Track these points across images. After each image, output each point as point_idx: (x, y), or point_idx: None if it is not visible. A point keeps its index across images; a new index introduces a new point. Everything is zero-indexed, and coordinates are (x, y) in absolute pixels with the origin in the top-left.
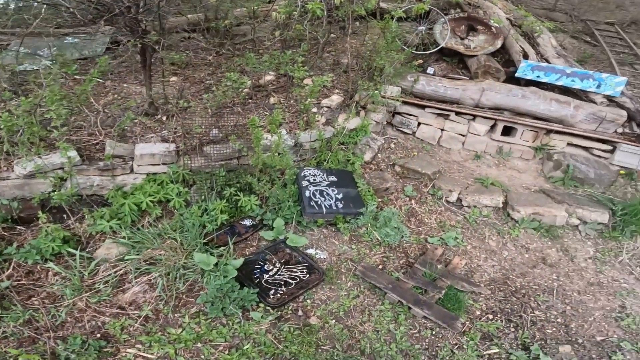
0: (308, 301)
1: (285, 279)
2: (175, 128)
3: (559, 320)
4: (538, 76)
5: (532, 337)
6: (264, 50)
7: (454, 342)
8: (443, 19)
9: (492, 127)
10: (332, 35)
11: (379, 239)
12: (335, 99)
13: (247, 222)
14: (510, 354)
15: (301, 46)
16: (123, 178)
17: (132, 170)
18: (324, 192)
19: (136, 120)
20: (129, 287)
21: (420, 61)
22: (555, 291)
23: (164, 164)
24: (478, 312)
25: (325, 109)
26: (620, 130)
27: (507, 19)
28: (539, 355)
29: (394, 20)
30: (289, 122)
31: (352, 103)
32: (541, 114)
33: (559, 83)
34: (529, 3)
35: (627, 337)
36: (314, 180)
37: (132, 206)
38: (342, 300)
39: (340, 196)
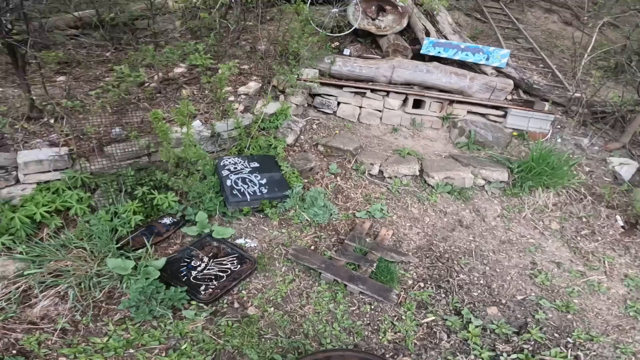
0: (243, 292)
1: (215, 272)
2: (65, 130)
3: (481, 282)
4: (439, 52)
5: (461, 302)
6: (168, 42)
7: (393, 314)
8: (355, 1)
9: (405, 101)
10: (249, 23)
11: (309, 219)
12: (253, 85)
13: (167, 220)
14: (446, 319)
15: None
16: (9, 190)
17: (18, 181)
18: (247, 179)
19: (17, 126)
20: (36, 302)
21: (337, 43)
22: (474, 252)
23: (56, 170)
24: (410, 282)
25: (243, 96)
26: (509, 97)
27: None
28: (470, 319)
29: (307, 4)
30: (205, 112)
31: (269, 88)
32: (444, 87)
33: (456, 57)
34: None
35: (543, 294)
36: (235, 168)
37: (23, 219)
38: (278, 287)
39: (264, 181)
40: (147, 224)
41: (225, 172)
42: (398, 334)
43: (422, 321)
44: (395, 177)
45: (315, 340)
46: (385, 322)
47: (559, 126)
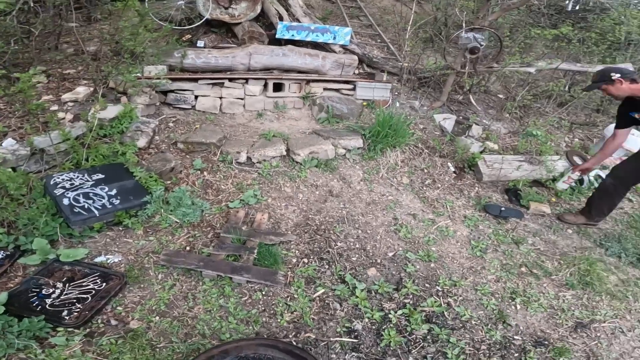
0: (119, 308)
1: (76, 296)
2: None
3: (357, 245)
4: (293, 35)
5: (344, 269)
6: None
7: (285, 295)
8: None
9: (265, 86)
10: (72, 24)
11: (178, 221)
12: (82, 90)
13: None
14: (334, 289)
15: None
16: None
17: None
18: (90, 194)
19: None
20: None
21: (189, 36)
22: (346, 219)
23: None
24: (294, 260)
25: (70, 104)
26: (356, 71)
27: None
28: (355, 284)
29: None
30: (18, 128)
31: (105, 91)
32: (301, 68)
33: (309, 39)
34: None
35: (408, 247)
36: (72, 184)
37: None
38: (158, 295)
39: (114, 192)
40: None
41: (59, 191)
42: (295, 313)
43: (314, 296)
44: (264, 160)
45: (214, 338)
46: (280, 305)
47: (396, 93)
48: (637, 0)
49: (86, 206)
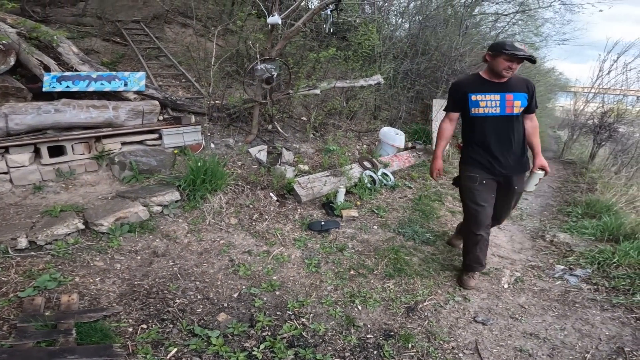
0: None
1: None
2: None
3: (199, 297)
4: (67, 86)
5: (191, 322)
6: None
7: None
8: None
9: (38, 152)
10: None
11: None
12: None
13: None
14: (188, 344)
15: None
16: None
17: None
18: None
19: None
20: None
21: None
22: (179, 274)
23: None
24: (130, 329)
25: None
26: (161, 118)
27: (18, 33)
28: (207, 333)
29: None
30: None
31: None
32: (86, 123)
33: (91, 89)
34: (59, 12)
35: (251, 283)
36: None
37: None
38: None
39: None
40: None
41: None
42: None
43: (168, 357)
44: (56, 240)
45: None
46: None
47: (209, 134)
48: (377, 15)
49: None
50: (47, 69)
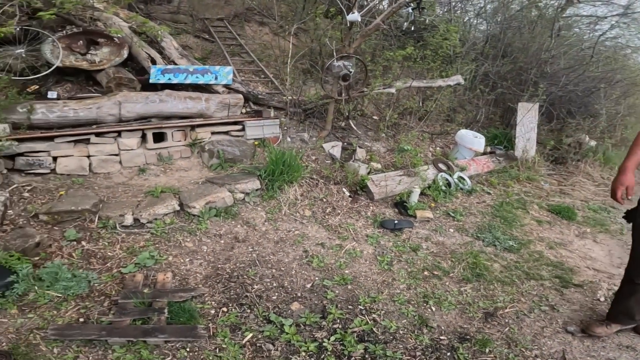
0: None
1: None
2: None
3: (274, 284)
4: (169, 79)
5: (267, 309)
6: None
7: (213, 347)
8: (51, 39)
9: (144, 138)
10: None
11: (60, 295)
12: None
13: None
14: (263, 331)
15: None
16: None
17: None
18: None
19: None
20: None
21: (36, 86)
22: (257, 261)
23: None
24: (212, 311)
25: None
26: (243, 110)
27: (130, 27)
28: (281, 321)
29: None
30: None
31: None
32: (183, 113)
33: (188, 81)
34: (158, 9)
35: (323, 275)
36: None
37: None
38: None
39: None
40: None
41: None
42: None
43: (243, 341)
44: (156, 219)
45: None
46: (210, 358)
47: (285, 128)
48: (456, 15)
49: None
50: (153, 61)
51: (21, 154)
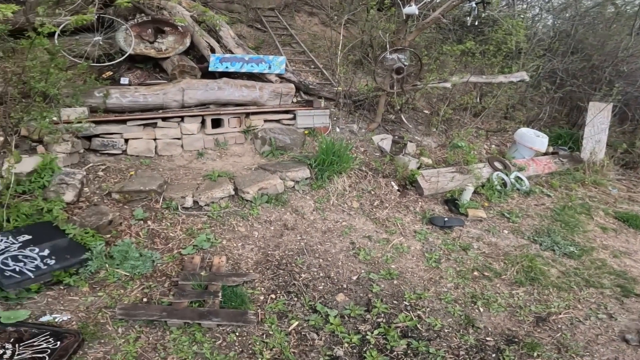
0: None
1: (30, 356)
2: None
3: (321, 274)
4: (227, 67)
5: (313, 299)
6: None
7: (260, 333)
8: (125, 26)
9: (203, 123)
10: None
11: (128, 274)
12: None
13: None
14: (308, 320)
15: None
16: None
17: None
18: (19, 256)
19: None
20: None
21: (110, 73)
22: (305, 250)
23: None
24: (262, 297)
25: None
26: (294, 100)
27: (191, 16)
28: (327, 312)
29: (56, 36)
30: None
31: (17, 141)
32: (238, 101)
33: (244, 70)
34: None
35: (369, 268)
36: None
37: None
38: (124, 349)
39: (46, 252)
40: None
41: None
42: (274, 349)
43: (289, 329)
44: (213, 202)
45: None
46: (257, 344)
47: (335, 118)
48: (520, 9)
49: (17, 269)
50: (213, 50)
51: (97, 136)
